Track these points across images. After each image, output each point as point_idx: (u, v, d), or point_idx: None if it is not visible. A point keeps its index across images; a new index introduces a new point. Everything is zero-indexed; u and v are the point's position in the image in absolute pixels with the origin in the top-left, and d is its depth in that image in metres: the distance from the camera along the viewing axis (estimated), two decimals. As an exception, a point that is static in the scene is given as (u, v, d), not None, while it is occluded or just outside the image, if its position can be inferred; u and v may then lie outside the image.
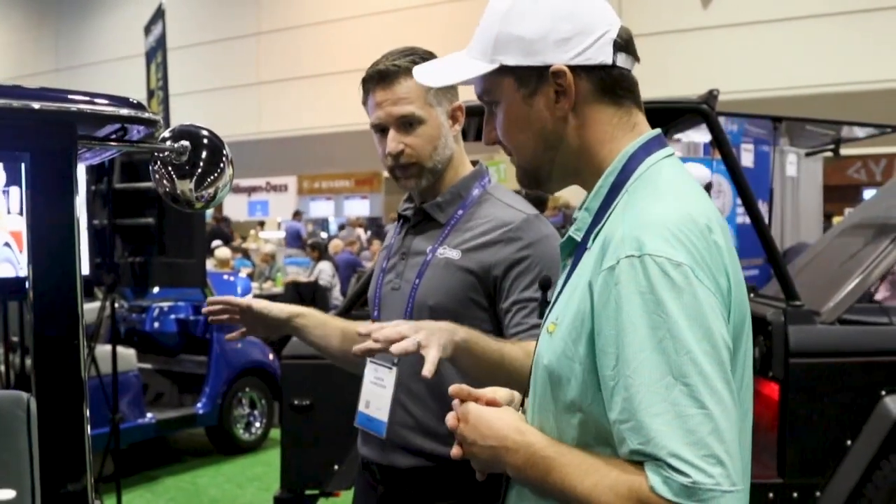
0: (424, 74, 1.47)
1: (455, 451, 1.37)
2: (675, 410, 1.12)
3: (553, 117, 1.34)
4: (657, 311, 1.15)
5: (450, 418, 1.38)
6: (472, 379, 1.76)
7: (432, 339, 1.67)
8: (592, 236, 1.31)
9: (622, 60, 1.33)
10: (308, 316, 2.21)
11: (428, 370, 1.62)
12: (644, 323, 1.15)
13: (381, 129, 2.05)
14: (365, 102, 2.08)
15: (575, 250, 1.36)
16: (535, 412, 1.36)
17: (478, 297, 1.97)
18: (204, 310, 2.14)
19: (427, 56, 2.01)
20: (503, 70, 1.35)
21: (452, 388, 1.39)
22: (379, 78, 2.01)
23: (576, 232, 1.36)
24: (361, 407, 2.08)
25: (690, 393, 1.12)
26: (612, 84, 1.34)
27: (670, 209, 1.23)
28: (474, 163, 2.16)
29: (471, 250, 1.99)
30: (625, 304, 1.17)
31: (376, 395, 2.01)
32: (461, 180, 2.09)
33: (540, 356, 1.34)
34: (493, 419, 1.33)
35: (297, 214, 19.87)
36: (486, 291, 1.98)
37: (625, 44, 1.33)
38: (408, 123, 2.01)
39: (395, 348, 1.64)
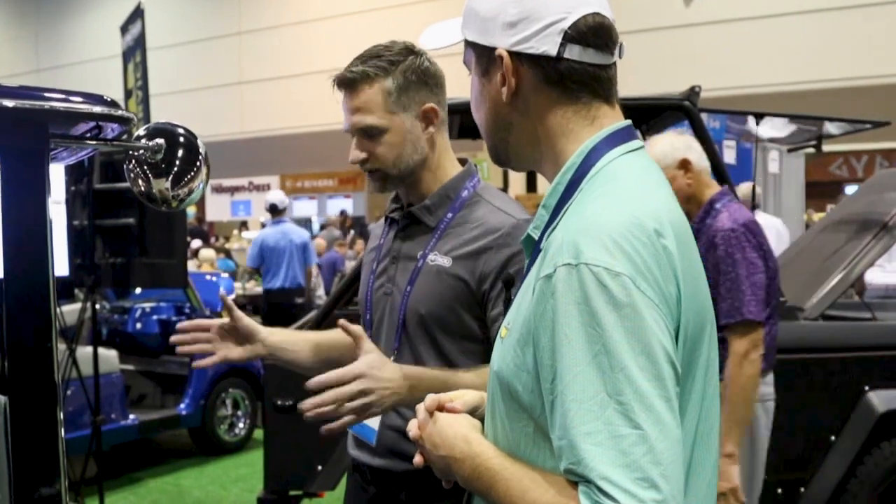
0: (427, 35, 1.51)
1: (417, 459, 1.35)
2: (609, 430, 1.05)
3: (499, 101, 1.30)
4: (592, 324, 1.08)
5: (412, 427, 1.35)
6: None
7: (381, 403, 1.79)
8: (546, 236, 1.23)
9: (575, 52, 1.24)
10: (281, 333, 2.15)
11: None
12: (579, 336, 1.09)
13: (351, 134, 2.03)
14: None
15: (533, 250, 1.29)
16: (489, 419, 1.30)
17: (469, 305, 1.94)
18: (173, 339, 2.05)
19: (395, 59, 1.96)
20: (469, 44, 1.34)
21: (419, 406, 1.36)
22: (341, 84, 1.98)
23: (534, 230, 1.30)
24: None
25: (624, 412, 1.05)
26: (558, 77, 1.25)
27: (616, 212, 1.15)
28: (463, 161, 2.10)
29: (461, 258, 1.95)
30: (560, 316, 1.10)
31: None
32: (450, 181, 2.03)
33: (492, 361, 1.28)
34: (445, 427, 1.29)
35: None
36: (477, 299, 1.94)
37: (580, 36, 1.23)
38: (369, 133, 1.97)
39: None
